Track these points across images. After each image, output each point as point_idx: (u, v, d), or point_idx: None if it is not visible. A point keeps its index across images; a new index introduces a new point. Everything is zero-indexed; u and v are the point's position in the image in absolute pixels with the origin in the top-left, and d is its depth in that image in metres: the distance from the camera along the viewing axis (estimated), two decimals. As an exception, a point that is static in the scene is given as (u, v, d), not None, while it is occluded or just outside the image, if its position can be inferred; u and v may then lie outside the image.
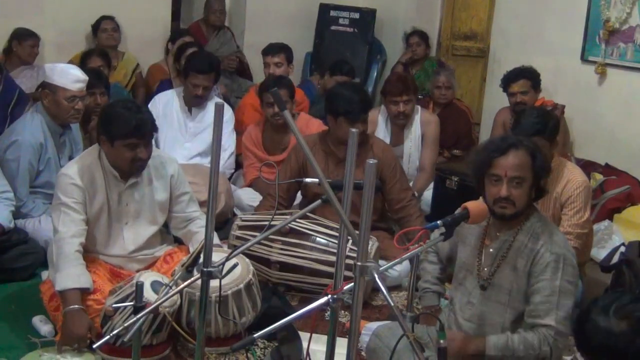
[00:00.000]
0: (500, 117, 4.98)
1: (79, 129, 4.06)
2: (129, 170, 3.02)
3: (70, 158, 3.84)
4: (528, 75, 4.63)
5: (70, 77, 3.67)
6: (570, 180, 3.26)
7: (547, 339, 2.28)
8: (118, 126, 2.92)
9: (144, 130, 2.96)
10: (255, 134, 4.53)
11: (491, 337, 2.33)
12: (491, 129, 5.15)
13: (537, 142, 3.11)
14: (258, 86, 5.13)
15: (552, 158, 3.26)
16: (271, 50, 5.10)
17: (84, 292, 2.82)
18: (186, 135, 4.51)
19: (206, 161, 4.50)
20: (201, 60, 4.51)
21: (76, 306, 2.73)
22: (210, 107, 4.52)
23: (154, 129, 3.05)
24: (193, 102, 4.50)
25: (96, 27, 5.55)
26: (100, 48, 5.28)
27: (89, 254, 3.03)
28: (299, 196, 4.00)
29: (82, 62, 4.86)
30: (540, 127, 3.19)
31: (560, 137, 4.59)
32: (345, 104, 3.64)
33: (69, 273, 2.80)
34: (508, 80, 4.68)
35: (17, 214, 3.62)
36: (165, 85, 5.11)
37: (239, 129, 4.93)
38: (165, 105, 4.50)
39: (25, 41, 5.10)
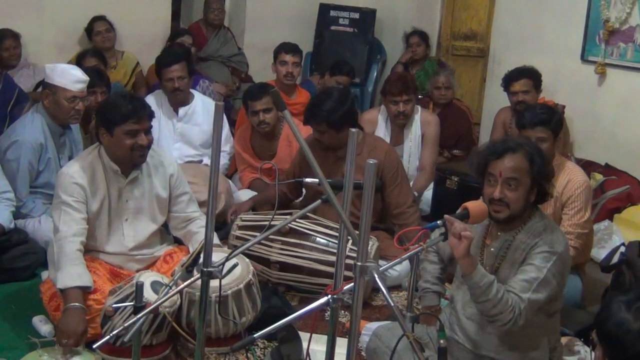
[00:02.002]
0: (500, 117, 4.99)
1: (80, 130, 4.07)
2: (130, 160, 3.01)
3: (70, 158, 3.84)
4: (530, 75, 4.64)
5: (71, 77, 3.66)
6: (571, 179, 3.26)
7: (517, 307, 2.26)
8: (115, 112, 2.94)
9: (142, 114, 2.96)
10: (244, 139, 4.51)
11: (481, 268, 2.30)
12: (491, 129, 5.16)
13: (541, 132, 3.16)
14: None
15: (554, 156, 3.28)
16: (291, 49, 5.06)
17: (85, 292, 2.81)
18: (174, 136, 4.46)
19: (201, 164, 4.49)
20: (167, 54, 4.48)
21: (77, 304, 2.72)
22: (197, 107, 4.49)
23: (152, 115, 3.05)
24: (176, 99, 4.41)
25: (89, 29, 5.52)
26: (95, 48, 5.28)
27: (89, 254, 3.03)
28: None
29: (78, 63, 4.87)
30: (545, 117, 3.22)
31: (560, 137, 4.62)
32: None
33: (70, 272, 2.80)
34: (510, 79, 4.68)
35: (17, 214, 3.62)
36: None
37: None
38: (155, 107, 4.38)
39: (1, 44, 5.03)
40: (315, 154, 3.70)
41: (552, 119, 3.23)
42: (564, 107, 4.91)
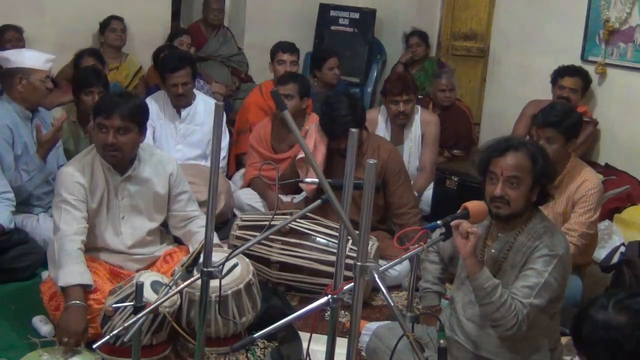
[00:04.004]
0: (530, 109, 4.90)
1: (78, 128, 4.14)
2: (103, 157, 3.02)
3: None
4: (583, 77, 4.75)
5: (41, 58, 3.82)
6: (587, 179, 3.27)
7: (520, 313, 2.27)
8: (96, 106, 3.06)
9: (112, 111, 2.93)
10: (264, 132, 4.49)
11: (487, 270, 2.31)
12: (516, 120, 5.06)
13: (551, 132, 3.18)
14: (263, 85, 5.12)
15: (569, 157, 3.29)
16: (288, 48, 5.05)
17: (85, 290, 2.81)
18: (177, 137, 4.46)
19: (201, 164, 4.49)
20: (172, 58, 4.43)
21: (78, 302, 2.72)
22: (199, 108, 4.49)
23: (132, 116, 2.97)
24: (179, 103, 4.43)
25: (105, 25, 5.55)
26: (92, 47, 5.29)
27: (89, 253, 3.03)
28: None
29: (76, 62, 4.89)
30: (556, 120, 3.23)
31: (588, 145, 4.78)
32: (326, 123, 3.71)
33: (71, 270, 2.80)
34: (563, 73, 4.76)
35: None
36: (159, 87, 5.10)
37: (244, 127, 4.93)
38: (157, 110, 4.41)
39: (3, 36, 5.07)
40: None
41: (564, 122, 3.23)
42: (597, 122, 4.90)
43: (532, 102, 4.96)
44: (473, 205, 2.32)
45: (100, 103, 3.05)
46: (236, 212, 4.27)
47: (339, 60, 5.50)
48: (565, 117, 3.25)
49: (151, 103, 4.35)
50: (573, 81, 4.71)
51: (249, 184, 4.47)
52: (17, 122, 3.74)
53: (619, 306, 1.68)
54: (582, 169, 3.32)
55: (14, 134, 3.70)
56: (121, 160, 3.03)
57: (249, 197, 4.36)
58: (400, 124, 4.54)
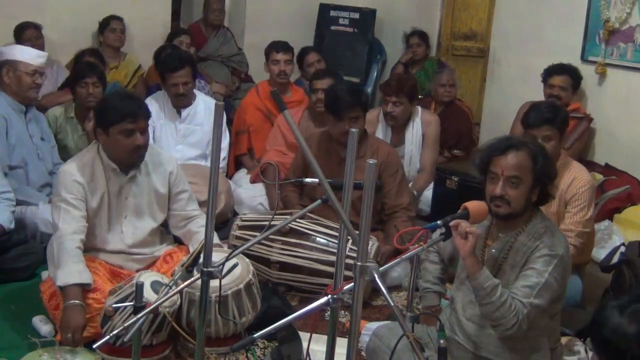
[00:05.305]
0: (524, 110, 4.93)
1: (76, 125, 4.18)
2: (128, 160, 3.02)
3: (42, 139, 3.96)
4: (572, 74, 4.77)
5: (32, 53, 3.94)
6: (577, 177, 3.26)
7: (520, 313, 2.27)
8: (110, 113, 2.97)
9: (137, 114, 2.96)
10: (294, 119, 4.48)
11: (486, 270, 2.31)
12: (513, 121, 5.05)
13: (547, 130, 3.18)
14: (259, 85, 5.12)
15: (560, 155, 3.29)
16: (282, 47, 5.04)
17: (85, 289, 2.82)
18: (177, 137, 4.46)
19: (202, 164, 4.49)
20: (172, 58, 4.42)
21: (77, 301, 2.73)
22: (199, 108, 4.48)
23: (147, 114, 3.03)
24: (180, 103, 4.42)
25: (104, 25, 5.55)
26: (92, 47, 5.30)
27: (89, 253, 3.04)
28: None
29: (76, 62, 4.89)
30: (551, 116, 3.23)
31: (583, 142, 4.79)
32: (331, 101, 3.74)
33: (70, 269, 2.80)
34: (551, 72, 4.78)
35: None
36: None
37: (242, 128, 4.92)
38: (157, 110, 4.41)
39: (22, 35, 5.08)
40: (320, 155, 3.74)
41: (557, 117, 3.24)
42: (592, 119, 4.90)
43: (528, 104, 4.96)
44: (473, 205, 2.32)
45: (122, 109, 2.94)
46: (236, 209, 4.27)
47: (318, 55, 5.57)
48: (557, 112, 3.27)
49: (151, 103, 4.34)
50: (562, 79, 4.73)
51: (262, 169, 4.44)
52: (10, 113, 3.81)
53: (633, 316, 1.67)
54: (570, 165, 3.32)
55: (7, 124, 3.77)
56: (144, 158, 3.08)
57: (249, 197, 4.36)
58: (388, 124, 4.53)
